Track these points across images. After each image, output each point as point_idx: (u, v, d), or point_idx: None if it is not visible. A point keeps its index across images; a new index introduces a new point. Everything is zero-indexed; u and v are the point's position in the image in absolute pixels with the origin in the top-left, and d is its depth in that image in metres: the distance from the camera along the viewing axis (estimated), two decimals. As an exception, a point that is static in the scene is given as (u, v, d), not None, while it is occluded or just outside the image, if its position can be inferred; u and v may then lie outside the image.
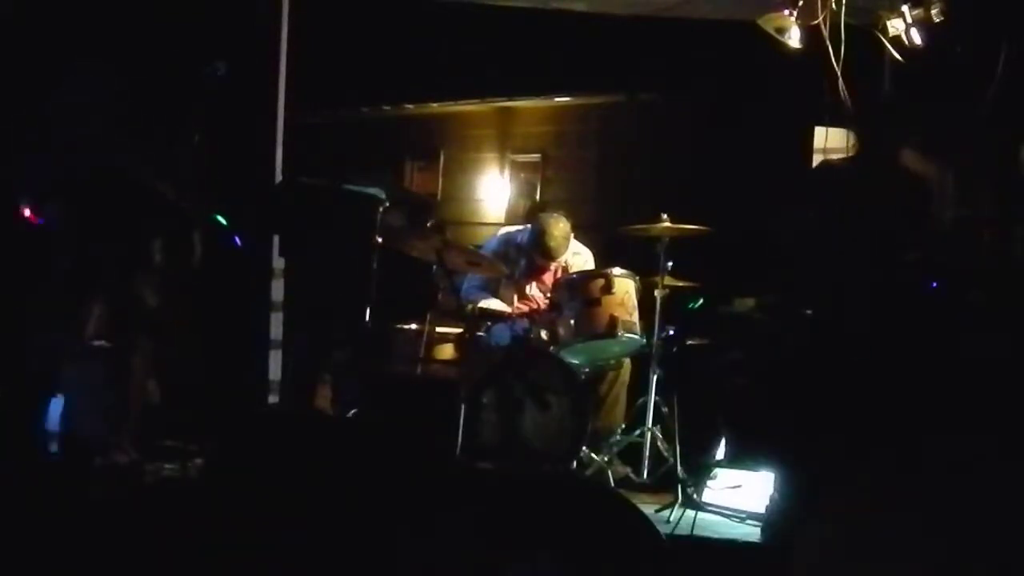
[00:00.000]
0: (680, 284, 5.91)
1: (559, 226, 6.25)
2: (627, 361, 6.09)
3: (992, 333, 4.65)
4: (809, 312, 5.30)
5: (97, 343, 5.55)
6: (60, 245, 5.53)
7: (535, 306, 6.35)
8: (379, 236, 5.78)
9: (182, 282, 5.70)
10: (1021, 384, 4.29)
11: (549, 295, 6.29)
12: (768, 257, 5.62)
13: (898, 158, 5.27)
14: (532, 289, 6.41)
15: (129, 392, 5.51)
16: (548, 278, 6.39)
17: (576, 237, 6.43)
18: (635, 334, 5.84)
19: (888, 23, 6.01)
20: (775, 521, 4.75)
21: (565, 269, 6.37)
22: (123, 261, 5.53)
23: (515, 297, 6.36)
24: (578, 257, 6.42)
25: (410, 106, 12.71)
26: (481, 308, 6.17)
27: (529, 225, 6.51)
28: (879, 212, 5.11)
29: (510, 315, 6.29)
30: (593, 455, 5.76)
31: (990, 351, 4.55)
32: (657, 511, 5.29)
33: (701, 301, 6.14)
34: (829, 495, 3.63)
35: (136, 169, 5.53)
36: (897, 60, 6.08)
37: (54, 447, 5.37)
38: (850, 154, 5.47)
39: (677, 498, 5.39)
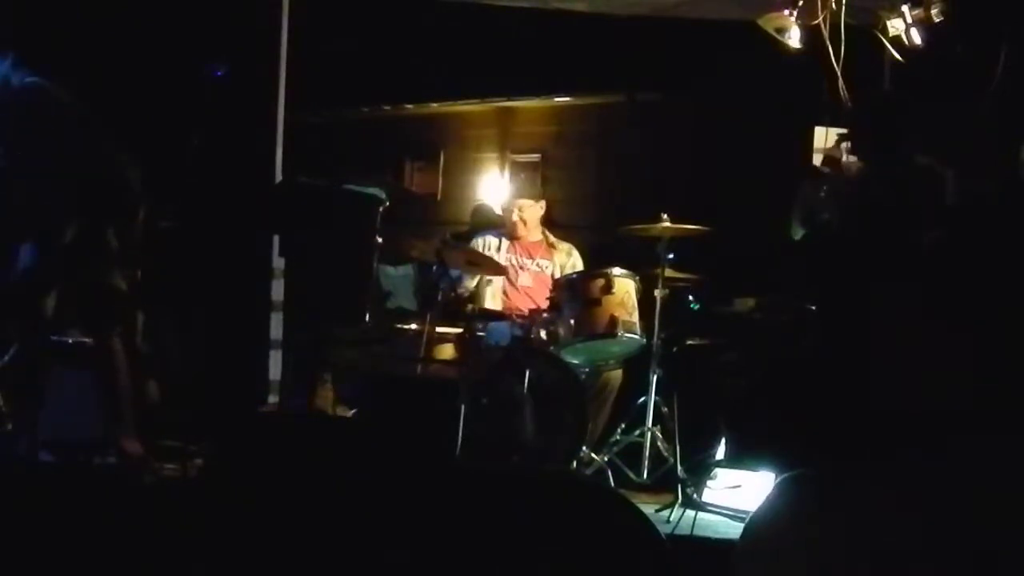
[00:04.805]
0: (680, 276, 5.91)
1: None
2: (618, 372, 6.11)
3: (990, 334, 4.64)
4: (814, 310, 5.30)
5: (72, 339, 5.50)
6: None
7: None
8: (379, 236, 5.78)
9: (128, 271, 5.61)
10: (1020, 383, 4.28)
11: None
12: (778, 258, 5.61)
13: (904, 154, 5.26)
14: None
15: (117, 386, 5.46)
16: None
17: (576, 237, 6.45)
18: (635, 334, 5.84)
19: (888, 23, 6.01)
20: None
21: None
22: (90, 248, 5.43)
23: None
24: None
25: (410, 106, 12.69)
26: (481, 308, 6.18)
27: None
28: (891, 209, 5.10)
29: (510, 315, 6.30)
30: (593, 455, 5.76)
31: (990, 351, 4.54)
32: (657, 511, 5.29)
33: (699, 305, 6.14)
34: (825, 495, 3.62)
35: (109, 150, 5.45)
36: (897, 60, 6.09)
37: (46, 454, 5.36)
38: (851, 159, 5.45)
39: (677, 498, 5.40)
